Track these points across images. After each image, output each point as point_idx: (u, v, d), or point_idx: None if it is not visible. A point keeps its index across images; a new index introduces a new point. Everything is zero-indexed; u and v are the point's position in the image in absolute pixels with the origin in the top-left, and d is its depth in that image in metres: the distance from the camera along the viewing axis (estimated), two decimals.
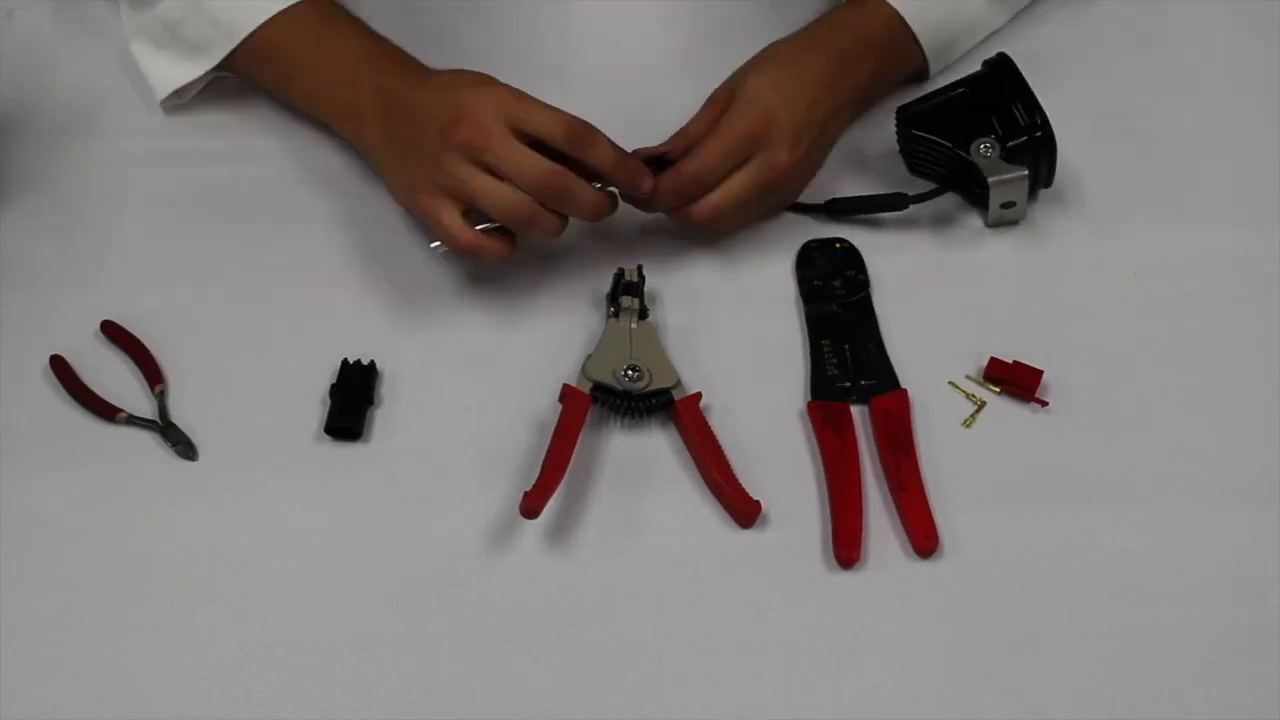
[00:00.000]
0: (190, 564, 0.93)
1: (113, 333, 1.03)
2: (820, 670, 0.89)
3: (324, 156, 1.11)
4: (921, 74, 1.13)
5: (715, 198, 1.01)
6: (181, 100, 1.13)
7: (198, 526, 0.95)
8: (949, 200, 1.08)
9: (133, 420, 0.99)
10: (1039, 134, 1.04)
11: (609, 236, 1.06)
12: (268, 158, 1.12)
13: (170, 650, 0.90)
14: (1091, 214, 1.08)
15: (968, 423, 0.99)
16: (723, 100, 1.03)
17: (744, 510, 0.94)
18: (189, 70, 1.10)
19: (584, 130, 0.96)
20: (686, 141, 1.03)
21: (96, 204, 1.09)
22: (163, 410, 0.99)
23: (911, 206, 1.06)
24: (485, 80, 0.98)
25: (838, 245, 1.06)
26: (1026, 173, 1.04)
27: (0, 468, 0.97)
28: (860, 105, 1.11)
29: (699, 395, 0.98)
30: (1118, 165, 1.10)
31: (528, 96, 0.96)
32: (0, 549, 0.93)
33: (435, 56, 1.05)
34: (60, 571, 0.93)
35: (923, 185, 1.07)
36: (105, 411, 0.99)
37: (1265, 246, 1.06)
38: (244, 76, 1.12)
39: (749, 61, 1.06)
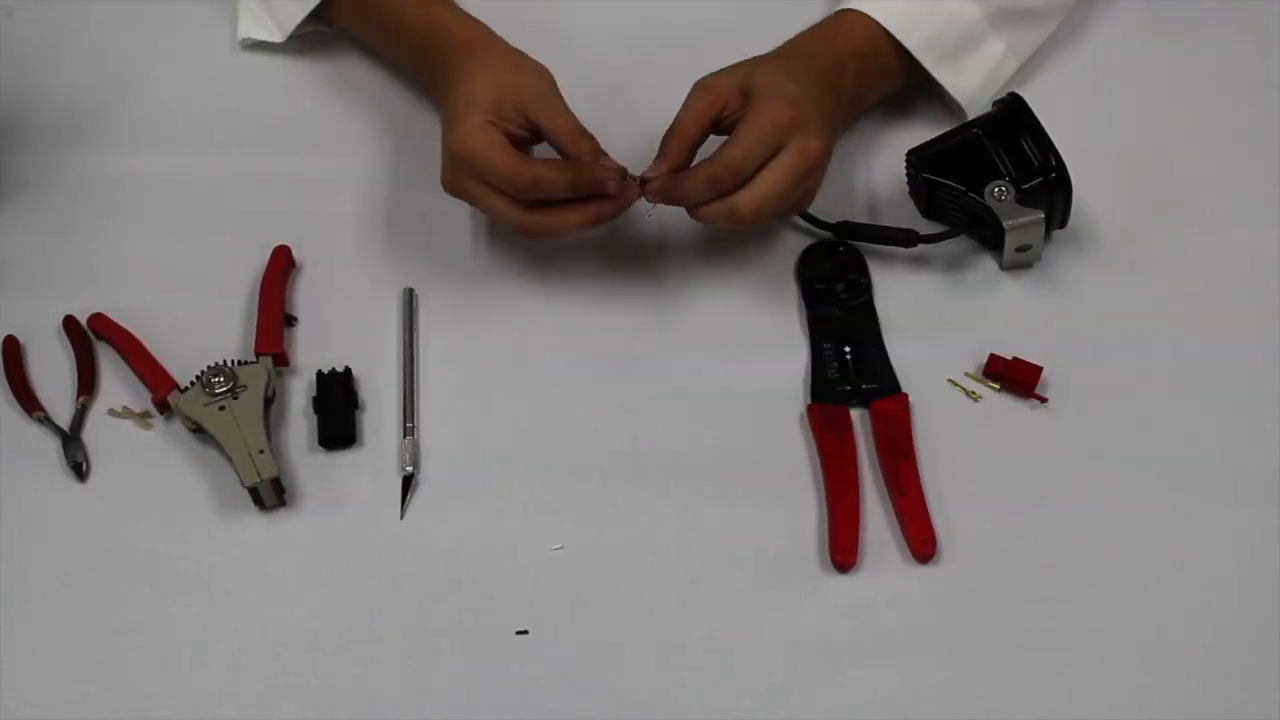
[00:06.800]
0: (191, 564, 0.93)
1: (72, 330, 1.02)
2: (818, 672, 0.89)
3: (321, 163, 1.11)
4: (922, 82, 1.10)
5: (759, 188, 0.96)
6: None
7: (197, 526, 0.95)
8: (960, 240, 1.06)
9: (45, 422, 0.98)
10: (1054, 175, 1.01)
11: (608, 238, 1.07)
12: (269, 161, 1.12)
13: (170, 650, 0.90)
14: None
15: (974, 396, 0.99)
16: (722, 96, 0.99)
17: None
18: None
19: (530, 181, 0.95)
20: (684, 141, 0.98)
21: (96, 204, 1.09)
22: (77, 423, 0.98)
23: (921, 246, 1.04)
24: (460, 123, 0.97)
25: (840, 248, 1.06)
26: (1042, 216, 1.01)
27: None
28: (852, 114, 1.09)
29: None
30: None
31: (490, 157, 0.96)
32: None
33: None
34: (59, 568, 0.93)
35: (936, 227, 1.05)
36: (27, 405, 0.98)
37: (1265, 246, 1.06)
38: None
39: (743, 64, 1.01)
